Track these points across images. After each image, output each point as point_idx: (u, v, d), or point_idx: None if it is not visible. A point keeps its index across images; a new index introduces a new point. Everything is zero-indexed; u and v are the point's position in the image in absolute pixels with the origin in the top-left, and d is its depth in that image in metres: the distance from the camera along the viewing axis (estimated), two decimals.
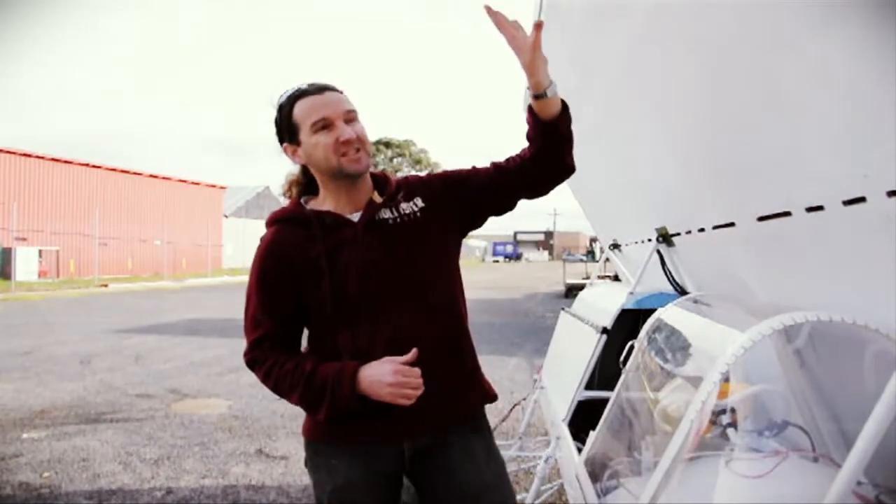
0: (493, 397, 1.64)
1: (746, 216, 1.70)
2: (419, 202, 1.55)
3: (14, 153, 26.39)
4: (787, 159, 1.39)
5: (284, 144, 1.52)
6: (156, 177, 33.98)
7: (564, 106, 1.46)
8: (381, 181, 1.58)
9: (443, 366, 1.49)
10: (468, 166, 1.63)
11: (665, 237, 2.60)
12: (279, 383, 1.47)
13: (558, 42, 2.56)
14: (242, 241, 36.65)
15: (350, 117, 1.47)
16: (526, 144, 1.53)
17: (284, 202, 1.61)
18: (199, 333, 10.44)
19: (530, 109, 1.45)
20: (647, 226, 2.77)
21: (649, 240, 2.80)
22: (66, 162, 28.92)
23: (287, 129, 1.50)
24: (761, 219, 1.61)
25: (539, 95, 1.40)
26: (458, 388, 1.55)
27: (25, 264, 23.48)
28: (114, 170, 31.59)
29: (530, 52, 1.34)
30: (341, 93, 1.51)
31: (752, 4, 1.23)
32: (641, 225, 2.90)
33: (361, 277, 1.46)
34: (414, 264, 1.50)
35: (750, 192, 1.65)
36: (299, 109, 1.47)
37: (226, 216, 39.09)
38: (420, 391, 1.39)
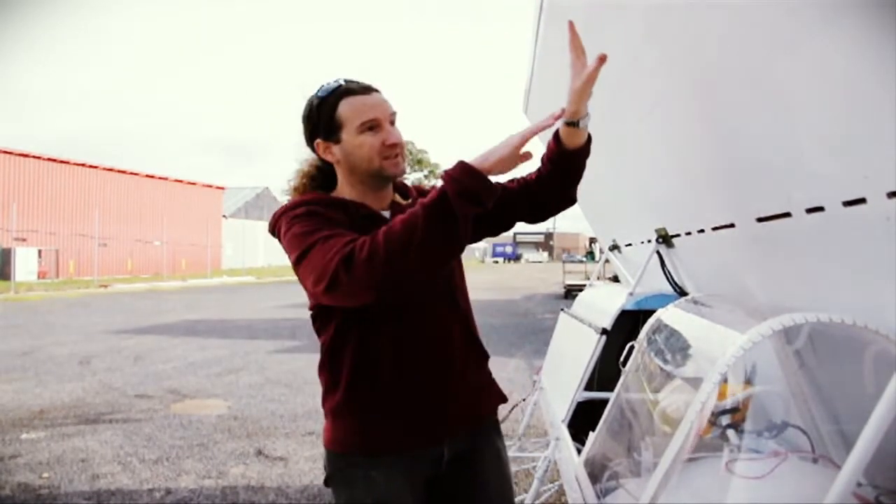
0: (505, 398, 1.66)
1: (746, 217, 1.69)
2: None
3: (13, 153, 26.41)
4: (787, 160, 1.39)
5: (318, 141, 1.48)
6: (155, 177, 34.03)
7: (589, 140, 1.48)
8: (400, 186, 1.60)
9: (471, 366, 1.54)
10: None
11: (665, 238, 2.60)
12: (395, 237, 1.20)
13: (559, 42, 2.57)
14: (242, 242, 36.65)
15: (394, 120, 1.46)
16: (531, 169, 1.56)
17: (285, 202, 1.57)
18: (198, 334, 10.44)
19: (556, 135, 1.47)
20: (647, 227, 2.77)
21: (649, 241, 2.80)
22: (65, 162, 28.94)
23: (326, 126, 1.45)
24: (761, 220, 1.61)
25: (572, 123, 1.42)
26: (483, 389, 1.58)
27: (25, 265, 23.50)
28: (113, 170, 31.62)
29: (584, 81, 1.35)
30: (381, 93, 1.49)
31: (752, 4, 1.23)
32: (641, 226, 2.90)
33: None
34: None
35: (750, 192, 1.65)
36: (346, 107, 1.43)
37: (225, 217, 39.12)
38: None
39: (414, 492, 1.47)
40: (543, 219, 1.63)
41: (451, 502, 1.54)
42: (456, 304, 1.54)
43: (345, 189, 1.52)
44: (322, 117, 1.45)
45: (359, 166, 1.46)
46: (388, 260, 1.18)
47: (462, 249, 1.31)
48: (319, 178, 1.55)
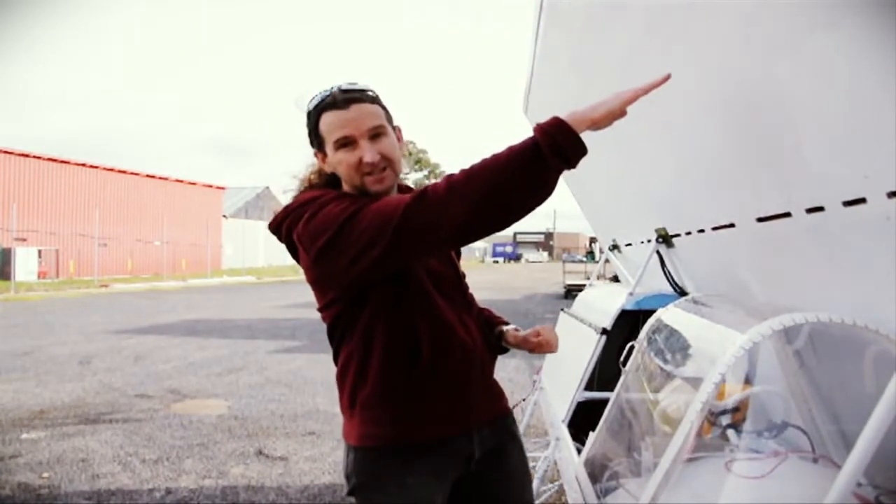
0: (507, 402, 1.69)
1: (746, 217, 1.69)
2: None
3: (13, 153, 26.40)
4: (787, 159, 1.39)
5: (315, 151, 1.50)
6: (155, 177, 34.00)
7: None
8: (404, 189, 1.57)
9: (485, 367, 1.57)
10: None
11: (665, 238, 2.60)
12: (477, 173, 1.19)
13: (559, 42, 2.57)
14: (242, 242, 36.62)
15: (377, 132, 1.39)
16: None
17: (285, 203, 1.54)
18: (198, 334, 10.44)
19: (500, 336, 1.67)
20: (647, 227, 2.77)
21: (649, 240, 2.80)
22: (65, 162, 28.93)
23: (315, 139, 1.46)
24: (761, 220, 1.61)
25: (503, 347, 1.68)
26: (497, 385, 1.63)
27: (25, 265, 23.48)
28: (113, 170, 31.60)
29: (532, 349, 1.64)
30: (372, 102, 1.42)
31: (752, 4, 1.23)
32: (641, 226, 2.90)
33: (438, 273, 1.48)
34: (457, 272, 1.57)
35: (749, 192, 1.65)
36: (324, 123, 1.41)
37: (225, 217, 39.10)
38: None
39: (444, 494, 1.46)
40: None
41: (480, 499, 1.54)
42: (471, 306, 1.59)
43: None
44: (310, 130, 1.46)
45: (344, 181, 1.45)
46: (469, 192, 1.17)
47: (538, 203, 1.23)
48: (330, 179, 1.51)
